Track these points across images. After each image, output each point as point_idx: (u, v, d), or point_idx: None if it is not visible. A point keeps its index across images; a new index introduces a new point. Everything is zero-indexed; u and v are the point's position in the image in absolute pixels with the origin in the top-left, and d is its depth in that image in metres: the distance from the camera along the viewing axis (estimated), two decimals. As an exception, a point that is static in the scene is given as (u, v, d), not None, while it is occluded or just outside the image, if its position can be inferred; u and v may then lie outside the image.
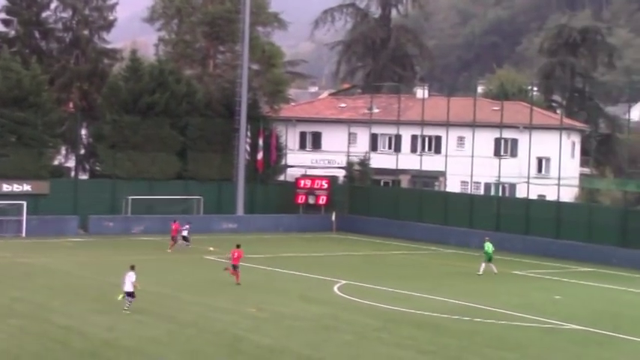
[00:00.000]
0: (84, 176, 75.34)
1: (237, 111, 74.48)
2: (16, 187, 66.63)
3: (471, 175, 72.70)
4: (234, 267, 45.01)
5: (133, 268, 37.43)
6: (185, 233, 60.23)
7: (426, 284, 48.36)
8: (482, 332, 35.98)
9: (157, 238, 64.00)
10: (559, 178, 68.43)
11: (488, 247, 54.18)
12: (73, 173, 75.10)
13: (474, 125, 73.64)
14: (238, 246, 45.66)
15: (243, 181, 74.80)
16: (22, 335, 32.28)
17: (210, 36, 79.02)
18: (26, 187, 67.00)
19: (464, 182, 77.55)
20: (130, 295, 36.85)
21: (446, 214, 72.23)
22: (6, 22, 75.92)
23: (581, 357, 32.60)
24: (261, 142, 76.60)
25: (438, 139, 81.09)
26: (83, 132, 75.35)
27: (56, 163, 72.48)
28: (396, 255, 63.39)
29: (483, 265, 53.93)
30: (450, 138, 76.74)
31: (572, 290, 49.37)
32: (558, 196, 68.54)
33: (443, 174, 77.56)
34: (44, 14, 76.39)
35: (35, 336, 32.23)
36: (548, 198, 72.85)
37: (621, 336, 36.33)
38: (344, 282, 47.69)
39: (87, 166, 76.26)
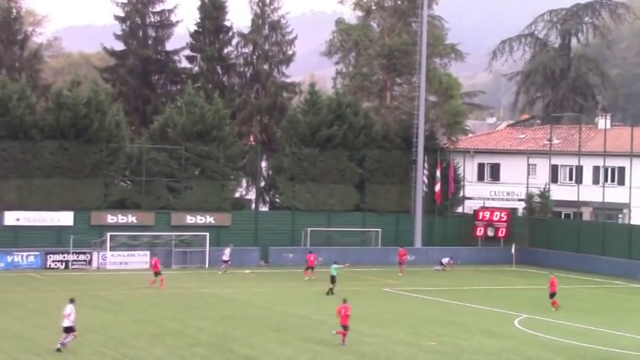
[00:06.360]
0: (264, 208, 76.71)
1: (415, 143, 74.41)
2: (200, 219, 68.36)
3: (658, 207, 70.23)
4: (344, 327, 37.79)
5: None
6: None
7: (612, 319, 46.81)
8: (673, 371, 34.52)
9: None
10: None
11: None
12: (253, 205, 76.60)
13: (659, 156, 71.21)
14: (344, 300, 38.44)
15: (421, 213, 74.54)
16: (206, 364, 32.92)
17: (387, 68, 79.37)
18: (209, 219, 68.61)
19: (650, 215, 74.92)
20: None
21: (630, 248, 69.84)
22: (190, 59, 78.56)
23: None
24: (438, 173, 76.22)
25: (622, 170, 78.71)
26: (263, 164, 76.88)
27: (237, 195, 74.15)
28: (578, 289, 61.60)
29: None
30: (634, 169, 74.33)
31: None
32: None
33: (627, 206, 75.17)
34: (226, 50, 78.66)
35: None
36: None
37: None
38: (525, 316, 46.72)
39: (267, 198, 77.65)
